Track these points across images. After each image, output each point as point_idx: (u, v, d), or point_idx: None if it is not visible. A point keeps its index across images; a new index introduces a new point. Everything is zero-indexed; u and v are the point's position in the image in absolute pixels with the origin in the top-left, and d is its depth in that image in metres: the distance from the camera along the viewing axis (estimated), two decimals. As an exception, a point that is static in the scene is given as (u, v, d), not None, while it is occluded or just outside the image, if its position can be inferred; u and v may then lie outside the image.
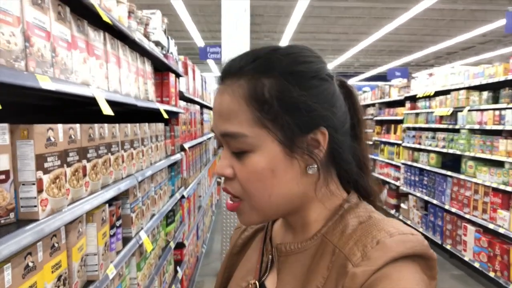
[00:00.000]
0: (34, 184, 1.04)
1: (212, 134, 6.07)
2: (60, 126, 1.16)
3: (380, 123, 8.10)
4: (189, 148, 3.56)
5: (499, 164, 4.34)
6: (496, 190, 4.28)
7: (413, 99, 6.49)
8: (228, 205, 0.67)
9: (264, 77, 0.61)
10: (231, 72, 0.64)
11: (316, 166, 0.63)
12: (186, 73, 3.74)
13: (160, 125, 2.60)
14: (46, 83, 1.02)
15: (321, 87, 0.64)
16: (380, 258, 0.55)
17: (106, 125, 1.58)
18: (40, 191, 1.06)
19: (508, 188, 4.05)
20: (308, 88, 0.62)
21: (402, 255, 0.56)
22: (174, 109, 2.89)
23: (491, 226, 4.29)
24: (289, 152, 0.62)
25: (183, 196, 3.35)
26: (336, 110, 0.65)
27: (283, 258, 0.68)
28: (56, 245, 1.18)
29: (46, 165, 1.08)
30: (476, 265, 4.51)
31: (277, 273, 0.68)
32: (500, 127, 4.32)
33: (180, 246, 3.46)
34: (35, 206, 1.05)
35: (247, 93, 0.61)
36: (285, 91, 0.61)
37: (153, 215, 2.40)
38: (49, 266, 1.14)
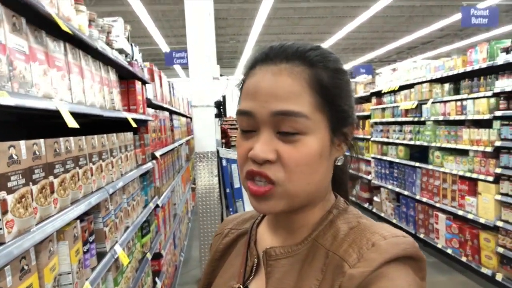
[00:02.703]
0: (-3, 205, 0.98)
1: (183, 140, 6.00)
2: (22, 143, 1.11)
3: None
4: (160, 156, 3.50)
5: (464, 152, 4.51)
6: (463, 178, 4.44)
7: (379, 94, 6.65)
8: (254, 190, 0.63)
9: (322, 67, 0.65)
10: (280, 55, 0.64)
11: (342, 158, 0.69)
12: (153, 79, 3.67)
13: (129, 134, 2.53)
14: (4, 99, 0.97)
15: (350, 84, 0.70)
16: (376, 259, 0.57)
17: (72, 138, 1.52)
18: (4, 212, 1.00)
19: (474, 175, 4.22)
20: (349, 83, 0.69)
21: (396, 256, 0.58)
22: (143, 117, 2.83)
23: (460, 212, 4.45)
24: (332, 141, 0.66)
25: (157, 206, 3.28)
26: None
27: (272, 262, 0.67)
28: (26, 267, 1.12)
29: (9, 184, 1.02)
30: (449, 251, 4.66)
31: (265, 278, 0.67)
32: (462, 117, 4.49)
33: (157, 256, 3.39)
34: (0, 228, 0.99)
35: (311, 78, 0.63)
36: (339, 83, 0.66)
37: (127, 227, 2.34)
38: (19, 290, 1.08)
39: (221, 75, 4.37)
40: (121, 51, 2.44)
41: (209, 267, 0.83)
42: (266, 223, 0.77)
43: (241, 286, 0.70)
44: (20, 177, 1.08)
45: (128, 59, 2.65)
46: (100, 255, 1.83)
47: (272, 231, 0.73)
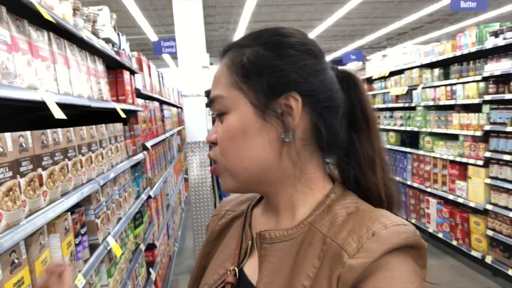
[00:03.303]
0: (-16, 199, 0.96)
1: (175, 130, 5.96)
2: (8, 135, 1.08)
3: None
4: (151, 146, 3.47)
5: (454, 137, 4.55)
6: (453, 162, 4.49)
7: (369, 81, 6.66)
8: (211, 168, 0.73)
9: (247, 48, 0.67)
10: (226, 48, 0.71)
11: (290, 134, 0.64)
12: (141, 69, 3.62)
13: (119, 125, 2.50)
14: (-13, 90, 0.94)
15: (298, 57, 0.66)
16: (376, 249, 0.56)
17: (59, 130, 1.49)
18: (-9, 206, 0.98)
19: (464, 160, 4.26)
20: (283, 56, 0.65)
21: (397, 246, 0.57)
22: (132, 107, 2.80)
23: (451, 197, 4.50)
24: (262, 115, 0.64)
25: (149, 196, 3.27)
26: (317, 83, 0.65)
27: (266, 245, 0.67)
28: (16, 261, 1.11)
29: (-4, 177, 1.00)
30: (440, 235, 4.73)
31: (259, 260, 0.67)
32: (452, 102, 4.52)
33: (151, 247, 3.39)
34: (-12, 222, 0.98)
35: (230, 61, 0.68)
36: (260, 57, 0.65)
37: (119, 218, 2.32)
38: (10, 284, 1.06)
39: (211, 64, 4.33)
40: (107, 40, 2.39)
41: (205, 249, 0.83)
42: (260, 206, 0.77)
43: (235, 267, 0.70)
44: (7, 170, 1.06)
45: (115, 49, 2.60)
46: (93, 247, 1.82)
47: (265, 214, 0.74)
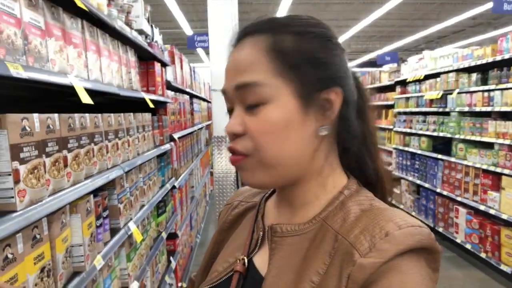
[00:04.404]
0: (10, 175, 1.02)
1: (204, 124, 6.04)
2: (36, 116, 1.14)
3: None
4: (178, 138, 3.54)
5: (489, 145, 4.37)
6: (486, 172, 4.31)
7: (403, 83, 6.50)
8: (231, 159, 0.66)
9: (284, 33, 0.63)
10: (248, 31, 0.66)
11: (327, 127, 0.64)
12: (173, 62, 3.69)
13: (147, 115, 2.57)
14: (17, 71, 0.99)
15: (336, 51, 0.66)
16: (389, 250, 0.54)
17: (87, 115, 1.55)
18: (17, 181, 1.04)
19: (498, 170, 4.09)
20: (329, 48, 0.65)
21: (410, 248, 0.55)
22: (161, 98, 2.86)
23: (482, 207, 4.33)
24: (304, 107, 0.62)
25: (174, 187, 3.33)
26: (349, 79, 0.67)
27: (277, 238, 0.67)
28: (38, 236, 1.16)
29: (22, 155, 1.06)
30: (468, 246, 4.56)
31: (269, 253, 0.67)
32: (489, 109, 4.34)
33: (172, 236, 3.46)
34: (12, 197, 1.03)
35: (268, 45, 0.62)
36: (304, 45, 0.63)
37: (142, 205, 2.39)
38: (31, 257, 1.12)
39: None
40: (140, 31, 2.46)
41: (217, 237, 0.84)
42: (274, 198, 0.77)
43: (245, 258, 0.71)
44: (33, 149, 1.11)
45: (148, 40, 2.67)
46: (114, 231, 1.88)
47: (278, 206, 0.73)
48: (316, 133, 0.64)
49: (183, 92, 4.28)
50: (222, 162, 4.28)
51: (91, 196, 1.58)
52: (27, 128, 1.08)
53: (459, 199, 4.77)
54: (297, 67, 0.62)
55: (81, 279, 1.41)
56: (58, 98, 1.80)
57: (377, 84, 7.76)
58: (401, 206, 6.24)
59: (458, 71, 5.00)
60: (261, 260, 0.69)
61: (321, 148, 0.66)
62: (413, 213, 5.86)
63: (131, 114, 2.20)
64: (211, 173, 7.20)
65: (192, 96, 5.01)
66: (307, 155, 0.65)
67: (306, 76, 0.62)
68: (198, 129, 5.26)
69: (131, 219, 2.12)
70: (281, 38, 0.62)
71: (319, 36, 0.65)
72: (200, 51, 13.24)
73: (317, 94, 0.63)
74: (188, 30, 11.00)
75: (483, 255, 4.31)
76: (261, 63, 0.62)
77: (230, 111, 0.67)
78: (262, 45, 0.62)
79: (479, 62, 4.53)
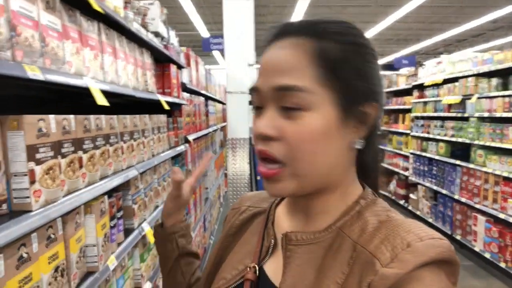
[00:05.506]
0: (26, 175, 1.03)
1: (218, 126, 6.05)
2: (52, 117, 1.15)
3: (388, 112, 8.01)
4: (193, 140, 3.55)
5: (510, 152, 4.26)
6: (506, 179, 4.20)
7: (421, 87, 6.40)
8: (264, 172, 0.62)
9: (332, 40, 0.61)
10: (291, 30, 0.63)
11: (362, 141, 0.64)
12: (189, 64, 3.71)
13: (162, 117, 2.58)
14: (34, 73, 1.01)
15: (376, 65, 0.66)
16: (411, 261, 0.54)
17: (103, 116, 1.56)
18: (32, 182, 1.05)
19: (519, 176, 3.98)
20: (369, 60, 0.64)
21: (432, 260, 0.55)
22: (176, 100, 2.88)
23: (501, 215, 4.22)
24: (344, 119, 0.61)
25: (188, 188, 3.34)
26: (383, 94, 0.67)
27: (292, 247, 0.65)
28: (52, 236, 1.17)
29: (38, 156, 1.07)
30: (487, 255, 4.45)
31: (284, 262, 0.66)
32: (510, 115, 4.24)
33: (186, 238, 3.46)
34: (28, 197, 1.04)
35: (314, 51, 0.60)
36: (352, 56, 0.62)
37: (156, 206, 2.40)
38: (45, 257, 1.13)
39: (256, 62, 4.35)
40: (156, 34, 2.47)
41: (223, 242, 0.83)
42: (285, 205, 0.75)
43: (256, 265, 0.69)
44: (49, 150, 1.13)
45: (164, 43, 2.69)
46: (128, 231, 1.89)
47: (290, 214, 0.72)
48: (350, 146, 0.64)
49: (198, 94, 4.30)
50: (236, 164, 4.29)
51: (106, 196, 1.60)
52: (43, 129, 1.10)
53: (477, 206, 4.66)
54: (343, 78, 0.61)
55: (95, 279, 1.42)
56: (75, 99, 1.82)
57: (394, 88, 7.66)
58: (418, 212, 6.13)
59: (478, 75, 4.89)
60: (273, 268, 0.68)
61: (352, 159, 0.66)
62: (430, 220, 5.75)
63: (147, 115, 2.22)
64: (226, 175, 7.22)
65: (207, 98, 5.03)
66: (339, 167, 0.64)
67: (350, 88, 0.61)
68: (213, 131, 5.28)
69: (145, 219, 2.13)
70: (328, 46, 0.61)
71: (365, 47, 0.64)
72: (216, 53, 13.32)
73: (357, 107, 0.62)
74: (204, 33, 11.07)
75: (502, 264, 4.19)
76: (305, 68, 0.60)
77: (258, 108, 0.65)
78: (306, 49, 0.60)
79: (499, 67, 4.43)
